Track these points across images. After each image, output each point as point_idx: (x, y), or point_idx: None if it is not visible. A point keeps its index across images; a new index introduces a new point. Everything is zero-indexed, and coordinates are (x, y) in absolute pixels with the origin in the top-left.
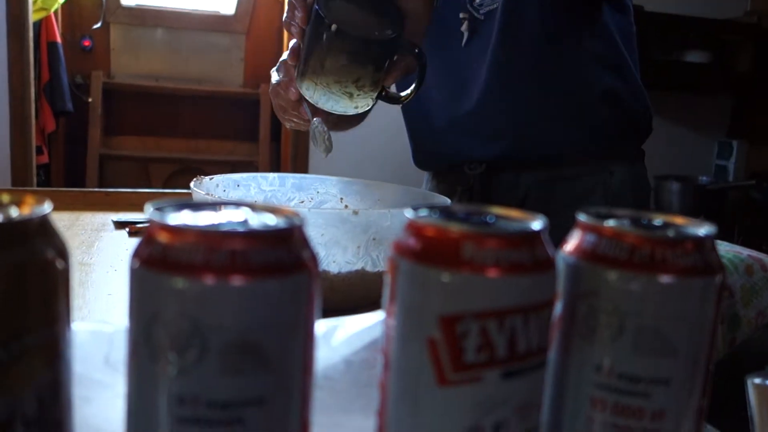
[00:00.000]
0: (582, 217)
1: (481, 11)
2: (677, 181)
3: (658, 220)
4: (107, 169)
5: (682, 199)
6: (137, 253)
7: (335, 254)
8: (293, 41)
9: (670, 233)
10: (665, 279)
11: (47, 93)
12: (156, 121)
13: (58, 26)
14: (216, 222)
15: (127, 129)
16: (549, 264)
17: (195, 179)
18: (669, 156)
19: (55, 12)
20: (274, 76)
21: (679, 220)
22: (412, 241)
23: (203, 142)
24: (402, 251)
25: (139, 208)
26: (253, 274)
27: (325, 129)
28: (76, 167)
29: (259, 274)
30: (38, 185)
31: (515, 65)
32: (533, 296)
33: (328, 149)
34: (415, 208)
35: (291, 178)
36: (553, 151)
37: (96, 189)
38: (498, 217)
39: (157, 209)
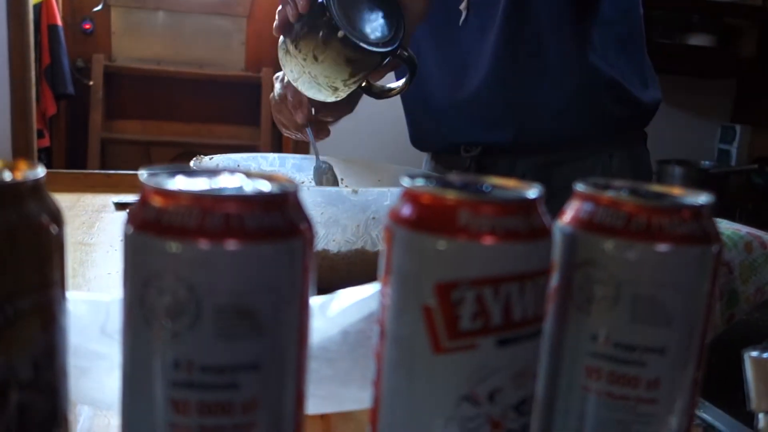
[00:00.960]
0: (579, 187)
1: None
2: (680, 165)
3: (654, 190)
4: (109, 153)
5: (684, 183)
6: (131, 219)
7: (335, 233)
8: (279, 8)
9: (667, 202)
10: (662, 247)
11: (48, 76)
12: (157, 104)
13: (58, 9)
14: (210, 187)
15: (129, 113)
16: (545, 232)
17: (195, 158)
18: (672, 140)
19: None
20: (277, 87)
21: (675, 190)
22: (408, 209)
23: (205, 125)
24: (398, 219)
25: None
26: (248, 238)
27: (331, 171)
28: (78, 151)
29: (254, 238)
30: None
31: (519, 53)
32: (529, 264)
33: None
34: (412, 177)
35: (291, 159)
36: (553, 139)
37: (97, 171)
38: (494, 185)
39: (151, 175)
